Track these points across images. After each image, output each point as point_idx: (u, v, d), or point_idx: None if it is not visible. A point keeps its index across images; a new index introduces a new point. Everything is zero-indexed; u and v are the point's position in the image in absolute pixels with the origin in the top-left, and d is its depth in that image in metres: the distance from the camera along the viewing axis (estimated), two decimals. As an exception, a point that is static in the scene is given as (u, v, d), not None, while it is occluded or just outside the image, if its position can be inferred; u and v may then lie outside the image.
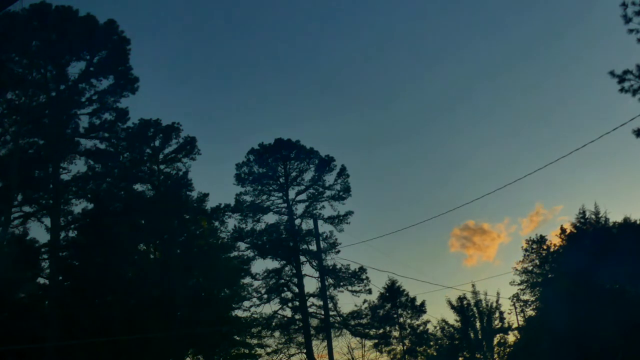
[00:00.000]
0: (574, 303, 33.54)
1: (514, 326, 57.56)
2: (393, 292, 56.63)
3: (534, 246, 63.51)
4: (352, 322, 48.53)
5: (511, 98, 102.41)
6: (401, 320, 55.89)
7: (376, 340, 52.94)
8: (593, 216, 40.73)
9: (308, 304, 46.45)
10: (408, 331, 55.52)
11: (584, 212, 40.98)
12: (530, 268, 63.61)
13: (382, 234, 72.38)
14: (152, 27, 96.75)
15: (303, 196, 48.85)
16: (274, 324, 46.74)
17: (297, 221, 48.07)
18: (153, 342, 32.64)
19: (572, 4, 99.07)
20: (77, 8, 35.28)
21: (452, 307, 56.64)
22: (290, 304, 47.22)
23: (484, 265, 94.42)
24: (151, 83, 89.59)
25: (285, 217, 48.41)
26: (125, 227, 36.03)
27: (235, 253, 46.71)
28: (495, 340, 56.65)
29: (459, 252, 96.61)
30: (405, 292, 56.92)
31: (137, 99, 44.77)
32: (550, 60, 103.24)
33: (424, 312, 56.42)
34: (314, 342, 46.11)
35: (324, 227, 48.02)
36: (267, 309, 51.94)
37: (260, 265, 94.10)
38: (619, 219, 46.17)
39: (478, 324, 56.52)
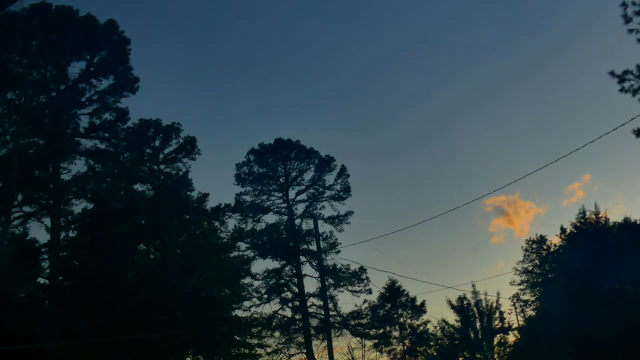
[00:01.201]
0: (574, 303, 33.52)
1: (514, 326, 57.65)
2: (393, 292, 56.63)
3: (534, 246, 63.50)
4: (352, 322, 48.50)
5: (512, 104, 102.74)
6: (401, 320, 55.91)
7: (376, 340, 52.96)
8: (593, 216, 40.74)
9: (308, 304, 46.44)
10: (408, 331, 55.53)
11: (584, 212, 41.00)
12: (530, 268, 63.60)
13: (382, 234, 72.44)
14: (152, 27, 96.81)
15: (303, 196, 48.87)
16: (274, 324, 46.71)
17: (297, 221, 48.09)
18: (153, 342, 32.63)
19: (575, 9, 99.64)
20: (77, 8, 35.21)
21: (452, 307, 56.70)
22: (290, 304, 47.19)
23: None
24: (151, 83, 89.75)
25: (285, 217, 48.40)
26: (125, 227, 36.00)
27: (235, 253, 46.69)
28: (495, 340, 56.71)
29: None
30: (405, 292, 56.98)
31: (137, 99, 44.74)
32: (553, 65, 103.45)
33: (424, 312, 56.49)
34: (314, 342, 46.14)
35: (324, 227, 47.97)
36: (267, 309, 52.05)
37: (260, 265, 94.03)
38: (619, 219, 46.22)
39: (478, 324, 56.57)
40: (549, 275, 53.25)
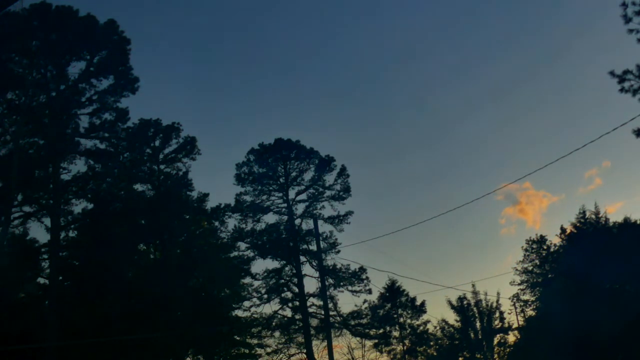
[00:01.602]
0: (574, 303, 33.52)
1: (514, 326, 57.61)
2: (393, 292, 56.60)
3: (534, 246, 63.46)
4: (352, 322, 48.51)
5: (512, 103, 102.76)
6: (401, 320, 55.87)
7: (376, 340, 52.93)
8: (593, 216, 40.74)
9: (308, 304, 46.45)
10: (408, 331, 55.50)
11: (584, 212, 41.01)
12: (530, 268, 63.55)
13: (382, 234, 72.48)
14: (152, 27, 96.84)
15: (303, 196, 48.88)
16: (274, 324, 46.73)
17: (297, 221, 48.10)
18: (153, 342, 32.62)
19: (576, 9, 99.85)
20: (77, 8, 35.22)
21: (452, 307, 56.68)
22: (290, 304, 47.20)
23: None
24: (151, 83, 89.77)
25: (285, 217, 48.42)
26: (125, 227, 36.00)
27: (235, 253, 46.71)
28: (495, 340, 56.69)
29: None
30: (405, 292, 56.92)
31: (137, 99, 44.84)
32: (553, 65, 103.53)
33: (424, 312, 56.43)
34: (314, 342, 46.17)
35: (324, 227, 47.99)
36: (267, 309, 52.00)
37: (260, 265, 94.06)
38: (619, 219, 46.23)
39: (478, 324, 56.55)
40: (549, 275, 53.21)
